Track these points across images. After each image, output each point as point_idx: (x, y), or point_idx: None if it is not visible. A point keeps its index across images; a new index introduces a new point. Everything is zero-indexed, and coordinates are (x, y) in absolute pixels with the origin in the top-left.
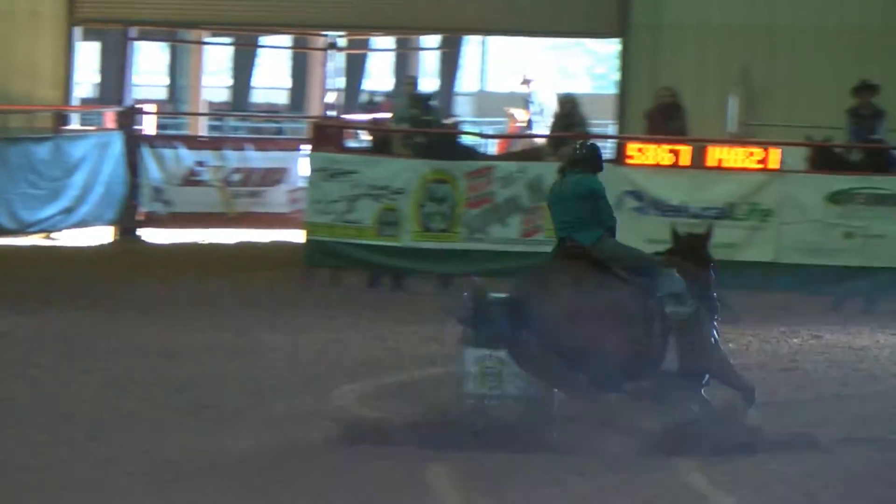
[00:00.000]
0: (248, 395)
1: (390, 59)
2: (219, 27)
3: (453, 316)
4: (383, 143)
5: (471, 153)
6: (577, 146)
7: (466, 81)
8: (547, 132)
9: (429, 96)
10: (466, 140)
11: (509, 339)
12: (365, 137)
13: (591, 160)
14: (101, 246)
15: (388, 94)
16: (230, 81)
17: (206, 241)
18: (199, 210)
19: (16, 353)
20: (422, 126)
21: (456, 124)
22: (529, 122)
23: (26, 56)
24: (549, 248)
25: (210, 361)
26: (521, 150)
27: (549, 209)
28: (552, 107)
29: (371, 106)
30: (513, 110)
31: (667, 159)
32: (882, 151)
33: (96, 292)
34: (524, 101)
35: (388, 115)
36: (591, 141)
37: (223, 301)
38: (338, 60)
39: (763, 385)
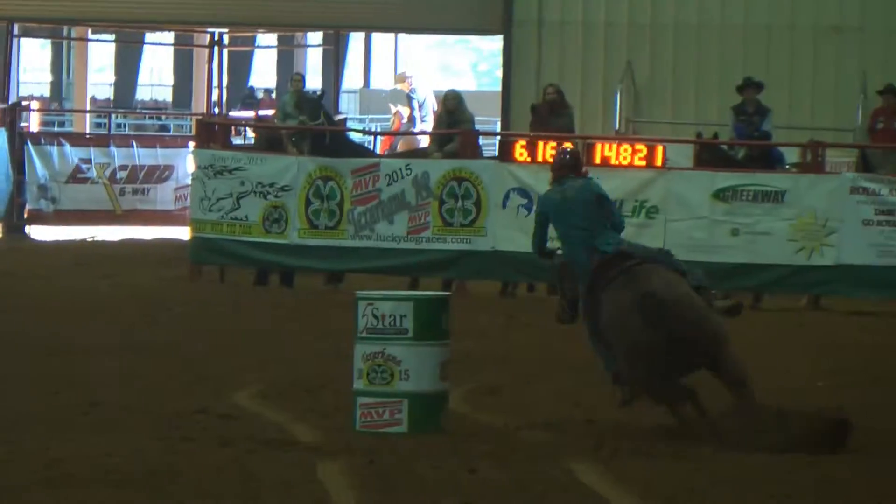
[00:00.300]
0: (137, 394)
1: (275, 56)
2: (103, 24)
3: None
4: (269, 141)
5: (361, 150)
6: (563, 153)
7: (350, 78)
8: (431, 129)
9: (319, 95)
10: (355, 137)
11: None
12: (251, 135)
13: (579, 164)
14: None
15: (268, 91)
16: (115, 78)
17: (93, 239)
18: (86, 207)
19: None
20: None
21: (343, 121)
22: (412, 119)
23: None
24: (435, 246)
25: (98, 359)
26: (408, 150)
27: (552, 220)
28: (432, 103)
29: (249, 101)
30: (398, 108)
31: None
32: (767, 148)
33: None
34: (406, 98)
35: (272, 111)
36: (565, 145)
37: (110, 298)
38: (222, 57)
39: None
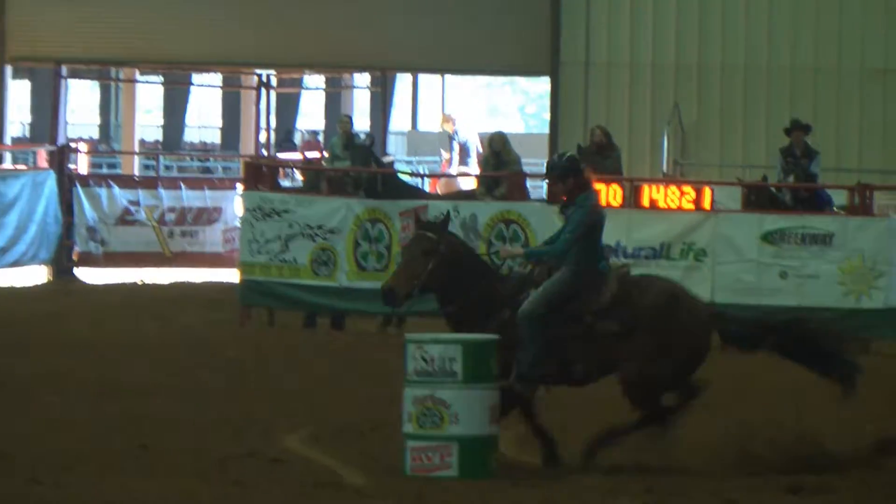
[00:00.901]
0: (187, 437)
1: (322, 97)
2: (150, 65)
3: None
4: (318, 183)
5: (413, 192)
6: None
7: (398, 120)
8: (476, 171)
9: (369, 143)
10: (406, 179)
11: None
12: (298, 177)
13: None
14: (37, 286)
15: (313, 132)
16: (163, 120)
17: (142, 281)
18: (134, 249)
19: None
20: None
21: (391, 163)
22: (449, 162)
23: None
24: None
25: (148, 401)
26: (455, 192)
27: (595, 243)
28: (476, 144)
29: (288, 144)
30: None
31: (602, 199)
32: (815, 191)
33: (32, 332)
34: (449, 140)
35: (320, 153)
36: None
37: (159, 341)
38: (270, 99)
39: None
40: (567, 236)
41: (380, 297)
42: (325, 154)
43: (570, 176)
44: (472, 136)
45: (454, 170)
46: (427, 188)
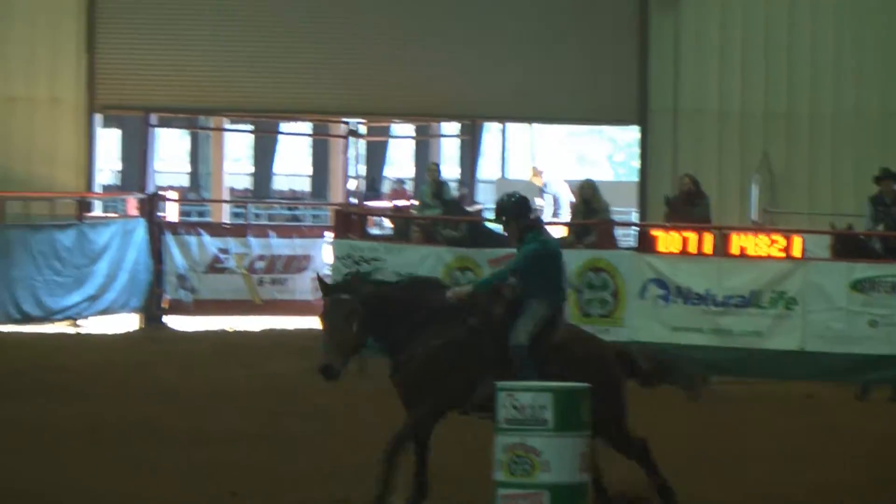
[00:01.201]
0: (276, 483)
1: (410, 145)
2: (238, 114)
3: None
4: (407, 231)
5: (500, 240)
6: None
7: (487, 168)
8: (567, 220)
9: (458, 198)
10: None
11: None
12: (386, 224)
13: None
14: (127, 333)
15: (399, 180)
16: (252, 168)
17: (231, 329)
18: (224, 297)
19: (42, 442)
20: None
21: (480, 211)
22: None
23: (47, 143)
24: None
25: (237, 449)
26: None
27: (552, 275)
28: (567, 196)
29: (372, 192)
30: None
31: (691, 247)
32: None
33: (122, 379)
34: (540, 192)
35: (406, 201)
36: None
37: (248, 388)
38: (359, 147)
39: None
40: (511, 264)
41: None
42: (415, 202)
43: (520, 216)
44: (562, 189)
45: (545, 220)
46: None
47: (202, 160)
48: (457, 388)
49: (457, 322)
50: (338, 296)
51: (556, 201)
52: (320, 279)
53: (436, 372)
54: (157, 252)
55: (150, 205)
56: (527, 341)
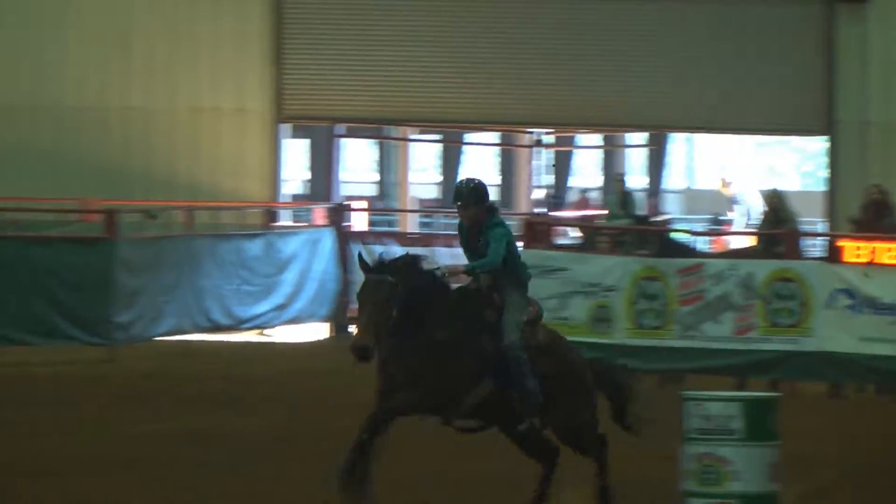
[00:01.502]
0: (457, 492)
1: (596, 155)
2: (425, 124)
3: None
4: (594, 240)
5: (685, 250)
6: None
7: (673, 178)
8: (755, 230)
9: (645, 216)
10: (680, 237)
11: None
12: (571, 234)
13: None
14: (316, 342)
15: (583, 190)
16: (438, 178)
17: None
18: None
19: (232, 455)
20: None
21: (667, 222)
22: (733, 223)
23: (234, 153)
24: (762, 346)
25: (421, 460)
26: (732, 250)
27: (518, 261)
28: (759, 207)
29: (555, 203)
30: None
31: (885, 257)
32: None
33: (314, 389)
34: (730, 203)
35: (598, 211)
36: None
37: None
38: (545, 157)
39: None
40: (496, 247)
41: (657, 354)
42: (601, 212)
43: (478, 202)
44: (754, 201)
45: (737, 230)
46: (707, 247)
47: (389, 170)
48: (451, 388)
49: (470, 316)
50: (379, 277)
51: (748, 212)
52: (361, 258)
53: (436, 365)
54: (344, 261)
55: (338, 214)
56: (519, 338)
